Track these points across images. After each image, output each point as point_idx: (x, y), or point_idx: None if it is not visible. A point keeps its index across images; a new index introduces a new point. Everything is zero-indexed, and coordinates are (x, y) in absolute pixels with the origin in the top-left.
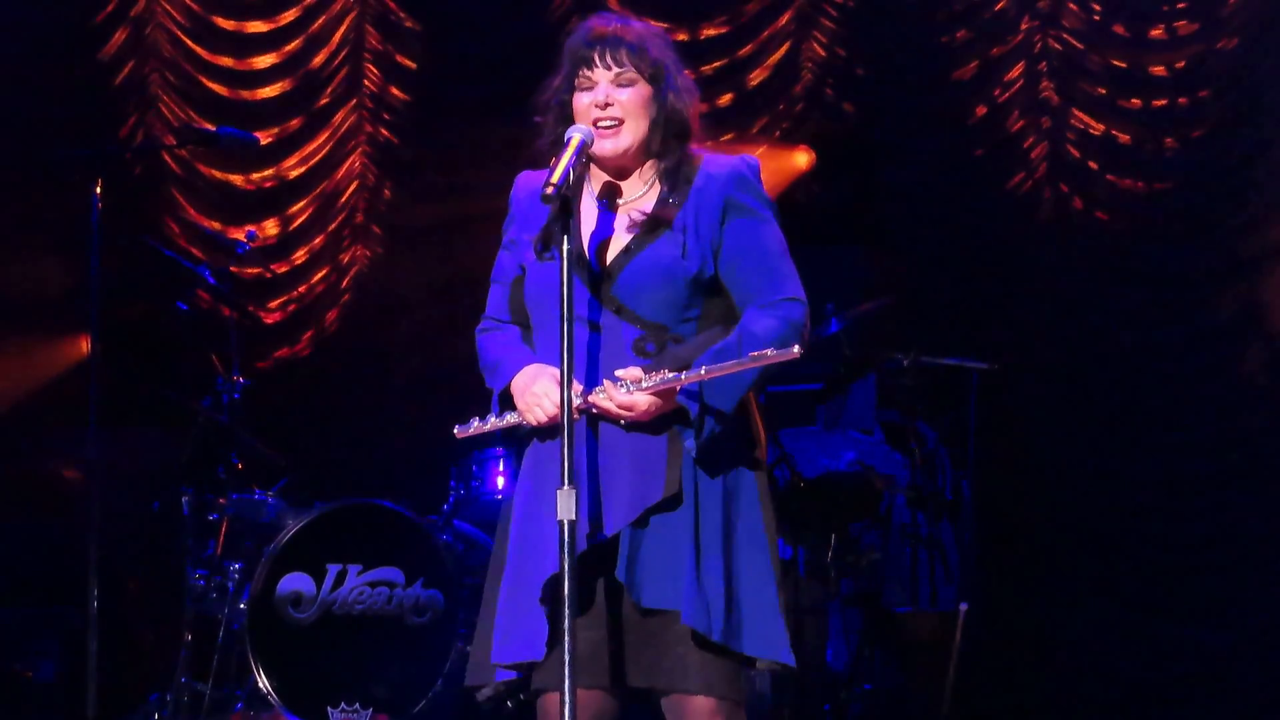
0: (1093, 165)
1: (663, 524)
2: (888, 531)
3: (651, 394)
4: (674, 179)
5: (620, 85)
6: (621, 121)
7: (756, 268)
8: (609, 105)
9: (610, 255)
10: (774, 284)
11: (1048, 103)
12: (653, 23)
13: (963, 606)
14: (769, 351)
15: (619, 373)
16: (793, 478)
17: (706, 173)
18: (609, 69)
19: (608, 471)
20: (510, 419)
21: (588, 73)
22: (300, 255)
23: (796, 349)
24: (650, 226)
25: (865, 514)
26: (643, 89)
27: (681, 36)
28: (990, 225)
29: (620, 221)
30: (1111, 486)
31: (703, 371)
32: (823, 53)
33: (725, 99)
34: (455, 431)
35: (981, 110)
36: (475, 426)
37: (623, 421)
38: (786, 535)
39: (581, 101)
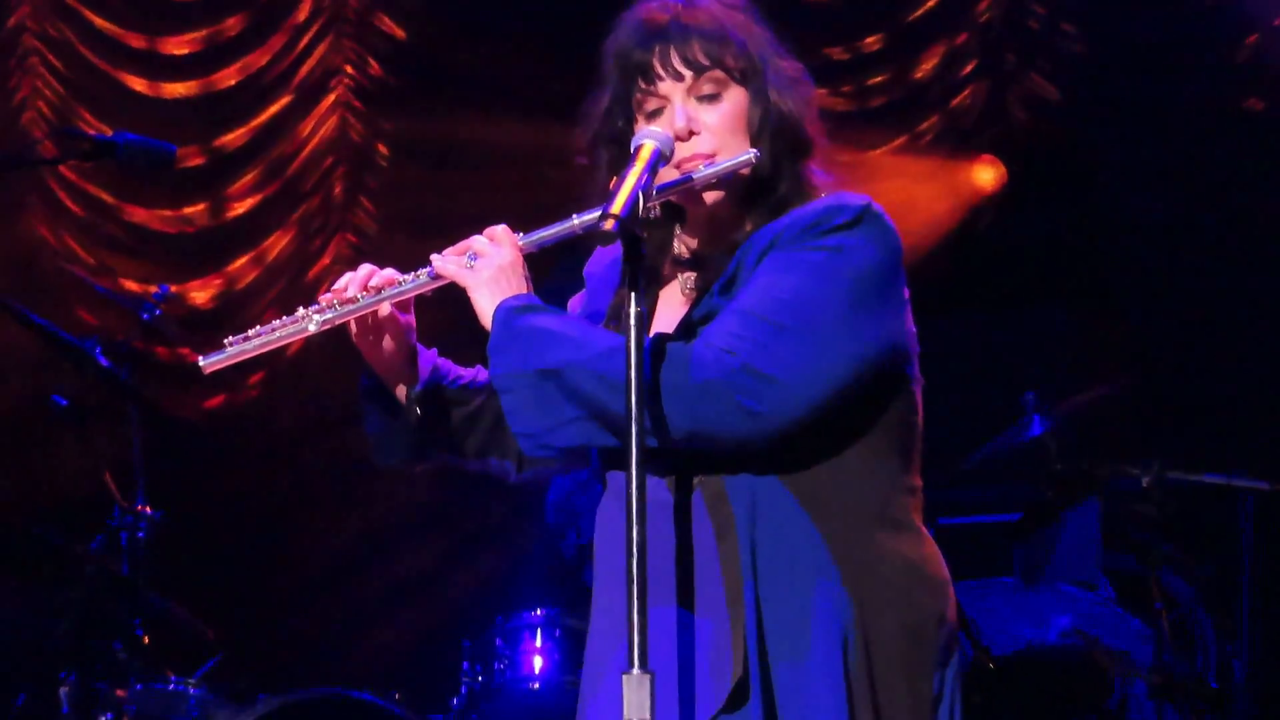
0: None
1: None
2: None
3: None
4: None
5: (703, 100)
6: (714, 155)
7: (738, 307)
8: (693, 134)
9: None
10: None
11: None
12: None
13: None
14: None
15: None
16: (977, 655)
17: (782, 221)
18: (680, 78)
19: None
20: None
21: (649, 87)
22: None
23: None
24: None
25: (1087, 709)
26: (736, 97)
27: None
28: (1274, 268)
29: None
30: None
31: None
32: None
33: (880, 94)
34: (202, 364)
35: (1252, 39)
36: (230, 350)
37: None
38: None
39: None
